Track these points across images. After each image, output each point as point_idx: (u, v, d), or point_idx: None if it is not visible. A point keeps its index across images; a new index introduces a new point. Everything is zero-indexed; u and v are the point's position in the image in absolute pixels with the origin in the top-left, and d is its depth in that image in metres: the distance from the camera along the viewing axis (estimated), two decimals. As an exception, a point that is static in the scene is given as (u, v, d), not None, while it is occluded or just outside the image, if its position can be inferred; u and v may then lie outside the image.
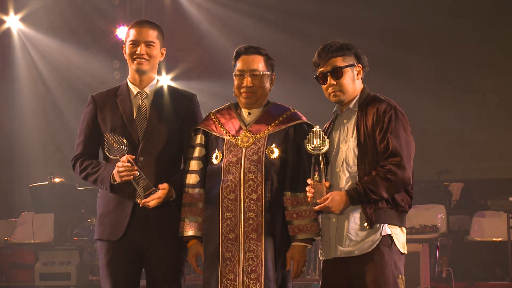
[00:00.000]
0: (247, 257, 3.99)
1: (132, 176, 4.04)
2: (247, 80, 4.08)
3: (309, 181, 3.89)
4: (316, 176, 3.89)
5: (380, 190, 3.80)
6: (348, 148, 3.94)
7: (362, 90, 4.03)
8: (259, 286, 3.96)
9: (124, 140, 4.06)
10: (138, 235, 4.15)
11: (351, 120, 3.98)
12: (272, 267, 4.00)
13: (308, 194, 3.89)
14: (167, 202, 4.15)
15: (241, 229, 4.01)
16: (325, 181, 3.89)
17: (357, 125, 3.93)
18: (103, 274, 4.20)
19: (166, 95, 4.32)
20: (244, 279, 3.98)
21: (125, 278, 4.18)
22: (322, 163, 3.89)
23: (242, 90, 4.10)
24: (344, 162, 3.94)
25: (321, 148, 3.89)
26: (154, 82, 4.32)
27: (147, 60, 4.23)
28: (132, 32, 4.25)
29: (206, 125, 4.18)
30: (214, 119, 4.19)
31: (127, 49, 4.26)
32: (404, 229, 3.97)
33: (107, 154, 4.09)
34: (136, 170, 4.04)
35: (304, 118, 4.15)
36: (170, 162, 4.25)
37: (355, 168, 3.91)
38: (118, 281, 4.16)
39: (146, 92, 4.28)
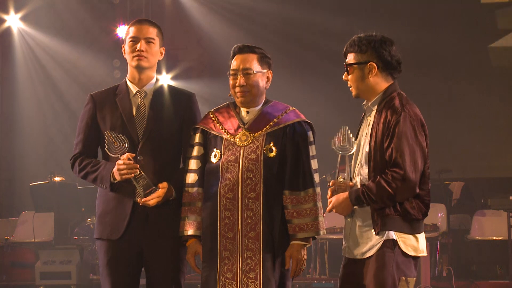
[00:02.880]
0: (245, 256, 3.99)
1: (132, 174, 4.04)
2: (240, 79, 4.08)
3: (331, 183, 3.86)
4: (340, 177, 3.86)
5: (378, 198, 3.74)
6: (364, 148, 3.89)
7: (386, 89, 3.89)
8: (258, 285, 3.96)
9: (125, 138, 4.06)
10: (138, 234, 4.14)
11: (370, 119, 3.90)
12: (271, 266, 4.00)
13: (329, 197, 3.87)
14: (167, 201, 4.14)
15: (240, 227, 4.00)
16: (350, 181, 3.86)
17: (372, 126, 3.85)
18: (103, 273, 4.19)
19: (165, 94, 4.31)
20: (242, 278, 3.98)
21: (125, 277, 4.17)
22: (348, 163, 3.86)
23: (236, 90, 4.10)
24: (360, 162, 3.90)
25: (348, 148, 3.86)
26: (153, 81, 4.32)
27: (146, 57, 4.22)
28: (132, 29, 4.25)
29: (204, 124, 4.18)
30: (213, 118, 4.18)
31: (126, 47, 4.26)
32: (417, 235, 3.84)
33: (108, 152, 4.09)
34: (137, 168, 4.04)
35: (302, 116, 4.15)
36: (169, 161, 4.25)
37: (366, 170, 3.85)
38: (118, 281, 4.16)
39: (145, 91, 4.27)
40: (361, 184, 3.82)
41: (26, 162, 12.35)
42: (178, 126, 4.25)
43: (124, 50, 4.29)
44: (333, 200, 3.84)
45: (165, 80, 12.03)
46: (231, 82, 4.12)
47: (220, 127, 4.14)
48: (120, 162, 4.04)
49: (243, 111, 4.16)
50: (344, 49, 3.93)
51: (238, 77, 4.08)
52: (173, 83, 11.75)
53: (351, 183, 3.85)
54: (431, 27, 11.55)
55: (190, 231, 4.09)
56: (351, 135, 3.87)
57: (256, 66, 4.10)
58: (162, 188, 4.10)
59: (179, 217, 4.15)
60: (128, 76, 4.32)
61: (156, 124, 4.20)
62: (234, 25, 11.94)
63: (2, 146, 12.58)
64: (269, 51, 4.21)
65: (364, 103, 3.98)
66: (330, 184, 3.87)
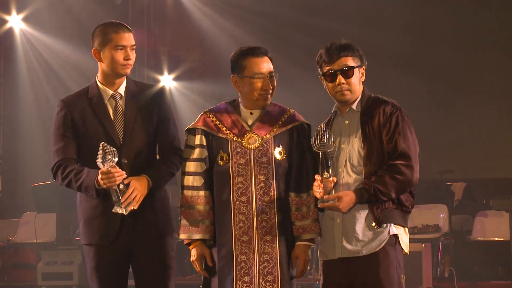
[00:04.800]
0: (262, 259, 3.99)
1: (113, 184, 3.95)
2: (269, 83, 4.07)
3: (317, 177, 3.88)
4: (325, 173, 3.88)
5: (389, 191, 3.82)
6: (352, 148, 3.95)
7: (363, 92, 4.05)
8: (276, 287, 3.97)
9: (115, 152, 3.96)
10: (128, 236, 4.11)
11: (354, 121, 3.99)
12: (286, 268, 4.01)
13: (316, 189, 3.88)
14: (151, 199, 4.11)
15: (255, 231, 3.99)
16: (332, 177, 3.90)
17: (362, 126, 3.95)
18: (92, 276, 4.15)
19: (137, 92, 4.25)
20: (260, 281, 3.97)
21: (115, 279, 4.15)
22: (329, 160, 3.90)
23: (263, 92, 4.07)
24: (347, 162, 3.95)
25: (329, 145, 3.89)
26: (125, 82, 4.27)
27: (131, 65, 4.21)
28: (116, 37, 4.16)
29: (205, 125, 4.13)
30: (213, 119, 4.15)
31: (109, 53, 4.16)
32: (407, 229, 3.99)
33: (99, 164, 3.96)
34: (118, 177, 3.95)
35: (302, 118, 4.16)
36: (151, 161, 4.22)
37: (360, 169, 3.92)
38: (108, 283, 4.14)
39: (120, 94, 4.23)
40: (364, 181, 3.86)
41: (28, 163, 12.35)
42: (155, 124, 4.22)
43: (97, 52, 4.21)
44: (337, 199, 3.83)
45: (167, 80, 12.04)
46: (258, 84, 4.06)
47: (224, 129, 4.12)
48: (103, 170, 3.95)
49: (246, 112, 4.15)
50: (335, 53, 3.96)
51: (266, 80, 4.06)
52: (175, 83, 11.75)
53: (334, 179, 3.88)
54: (427, 33, 11.55)
55: (198, 235, 4.05)
56: (329, 132, 3.91)
57: (273, 69, 4.12)
58: (135, 185, 4.01)
59: (165, 215, 4.17)
60: (99, 78, 4.25)
61: (135, 126, 4.17)
62: (236, 25, 11.94)
63: (4, 147, 12.59)
64: (271, 50, 4.21)
65: (335, 109, 4.06)
66: (316, 179, 3.88)
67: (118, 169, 3.96)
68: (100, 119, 4.16)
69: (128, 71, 4.20)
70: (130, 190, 3.99)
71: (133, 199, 3.99)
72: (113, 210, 3.98)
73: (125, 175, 3.98)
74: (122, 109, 4.21)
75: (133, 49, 4.21)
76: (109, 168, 3.93)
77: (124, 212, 3.98)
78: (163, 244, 4.18)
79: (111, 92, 4.22)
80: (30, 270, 9.86)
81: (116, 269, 4.15)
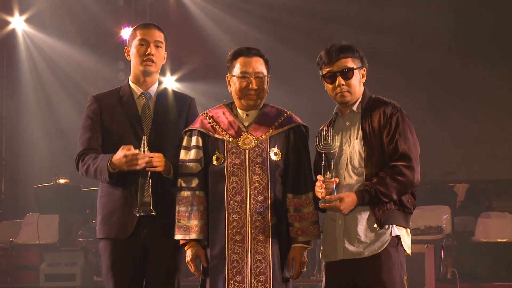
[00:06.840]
0: (255, 259, 3.99)
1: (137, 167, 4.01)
2: (253, 83, 4.08)
3: (319, 177, 3.88)
4: (327, 174, 3.89)
5: (390, 192, 3.82)
6: (353, 150, 3.95)
7: (364, 93, 4.05)
8: (268, 287, 3.96)
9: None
10: (145, 233, 4.15)
11: (355, 122, 3.99)
12: (279, 268, 4.01)
13: (318, 190, 3.88)
14: (169, 199, 4.13)
15: (248, 231, 4.00)
16: (334, 177, 3.90)
17: (362, 127, 3.94)
18: (108, 274, 4.18)
19: (168, 97, 4.33)
20: (252, 281, 3.97)
21: (130, 278, 4.17)
22: (332, 161, 3.90)
23: (248, 93, 4.09)
24: (349, 164, 3.95)
25: (333, 146, 3.90)
26: (157, 83, 4.34)
27: (155, 62, 4.24)
28: (141, 32, 4.25)
29: (202, 127, 4.15)
30: (210, 121, 4.16)
31: (133, 50, 4.26)
32: (409, 230, 3.99)
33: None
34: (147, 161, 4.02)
35: (299, 120, 4.16)
36: (172, 162, 4.23)
37: (361, 170, 3.92)
38: (123, 281, 4.16)
39: (149, 93, 4.29)
40: (366, 183, 3.86)
41: (30, 164, 12.37)
42: (181, 129, 4.26)
43: (128, 52, 4.30)
44: (339, 200, 3.83)
45: (170, 82, 12.05)
46: (240, 84, 4.09)
47: (220, 130, 4.12)
48: (126, 153, 4.00)
49: (242, 113, 4.16)
50: (335, 55, 3.96)
51: (250, 80, 4.07)
52: (177, 85, 11.77)
53: (336, 179, 3.89)
54: (428, 38, 11.55)
55: (192, 235, 4.06)
56: (333, 132, 3.92)
57: (264, 70, 4.12)
58: (157, 157, 4.06)
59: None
60: (131, 78, 4.33)
61: (162, 126, 4.22)
62: (238, 27, 11.95)
63: (6, 148, 12.60)
64: (270, 51, 4.22)
65: (336, 110, 4.07)
66: (319, 179, 3.88)
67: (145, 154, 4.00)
68: (127, 114, 4.22)
69: (150, 68, 4.24)
70: (153, 154, 4.03)
71: (152, 162, 4.02)
72: (136, 213, 4.06)
73: (148, 158, 4.00)
74: (150, 109, 4.25)
75: (158, 46, 4.24)
76: (133, 153, 3.97)
77: (144, 213, 4.04)
78: (176, 244, 4.19)
79: (141, 90, 4.28)
80: (33, 271, 9.86)
81: (133, 267, 4.17)
